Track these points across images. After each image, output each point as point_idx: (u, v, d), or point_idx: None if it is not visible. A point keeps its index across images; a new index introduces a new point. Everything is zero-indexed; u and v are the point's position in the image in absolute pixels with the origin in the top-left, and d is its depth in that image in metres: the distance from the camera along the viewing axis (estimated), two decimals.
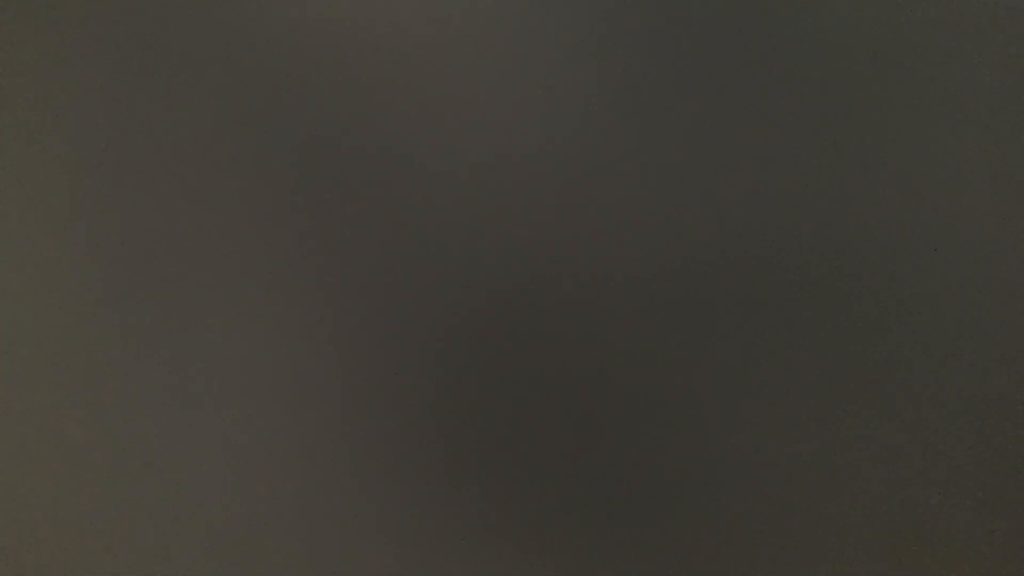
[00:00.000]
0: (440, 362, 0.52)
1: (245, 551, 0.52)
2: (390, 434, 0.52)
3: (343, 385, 0.52)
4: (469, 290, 0.52)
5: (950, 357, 0.52)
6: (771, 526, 0.52)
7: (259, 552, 0.52)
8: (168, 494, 0.52)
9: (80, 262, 0.53)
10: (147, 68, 0.53)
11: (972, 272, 0.52)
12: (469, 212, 0.52)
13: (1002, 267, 0.52)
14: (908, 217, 0.52)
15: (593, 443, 0.52)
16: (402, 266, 0.52)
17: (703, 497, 0.52)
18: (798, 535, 0.52)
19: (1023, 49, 0.53)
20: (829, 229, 0.52)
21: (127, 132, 0.53)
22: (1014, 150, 0.52)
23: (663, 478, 0.52)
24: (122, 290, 0.53)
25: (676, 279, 0.52)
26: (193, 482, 0.52)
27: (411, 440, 0.52)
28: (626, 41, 0.53)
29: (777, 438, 0.52)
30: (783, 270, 0.52)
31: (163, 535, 0.52)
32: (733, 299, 0.52)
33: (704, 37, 0.53)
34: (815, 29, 0.53)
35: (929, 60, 0.53)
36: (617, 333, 0.52)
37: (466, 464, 0.52)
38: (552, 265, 0.52)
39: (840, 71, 0.53)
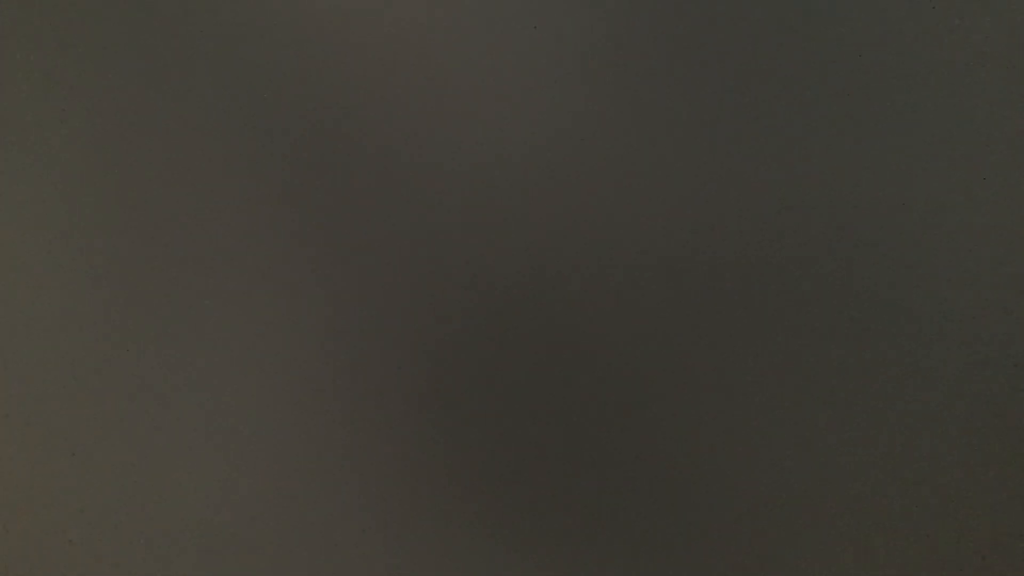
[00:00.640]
0: (440, 362, 0.52)
1: (245, 551, 0.52)
2: (391, 434, 0.52)
3: (343, 384, 0.52)
4: (469, 289, 0.52)
5: (951, 357, 0.52)
6: (771, 526, 0.52)
7: (259, 552, 0.52)
8: (168, 494, 0.53)
9: (80, 262, 0.53)
10: (146, 67, 0.53)
11: (973, 272, 0.52)
12: (470, 211, 0.53)
13: (1003, 267, 0.52)
14: (908, 216, 0.52)
15: (592, 443, 0.52)
16: (403, 266, 0.53)
17: (703, 497, 0.52)
18: (798, 535, 0.52)
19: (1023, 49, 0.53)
20: (830, 229, 0.52)
21: (126, 130, 0.53)
22: (1014, 150, 0.52)
23: (664, 478, 0.52)
24: (122, 289, 0.53)
25: (676, 279, 0.52)
26: (193, 483, 0.52)
27: (412, 440, 0.52)
28: (626, 40, 0.53)
29: (778, 438, 0.52)
30: (783, 269, 0.52)
31: (163, 535, 0.53)
32: (733, 298, 0.52)
33: (704, 36, 0.53)
34: (815, 28, 0.53)
35: (930, 59, 0.53)
36: (618, 332, 0.52)
37: (466, 464, 0.52)
38: (552, 265, 0.52)
39: (840, 71, 0.53)
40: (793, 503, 0.52)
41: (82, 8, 0.54)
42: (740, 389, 0.52)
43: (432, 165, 0.53)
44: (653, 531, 0.52)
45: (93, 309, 0.53)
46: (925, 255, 0.52)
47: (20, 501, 0.53)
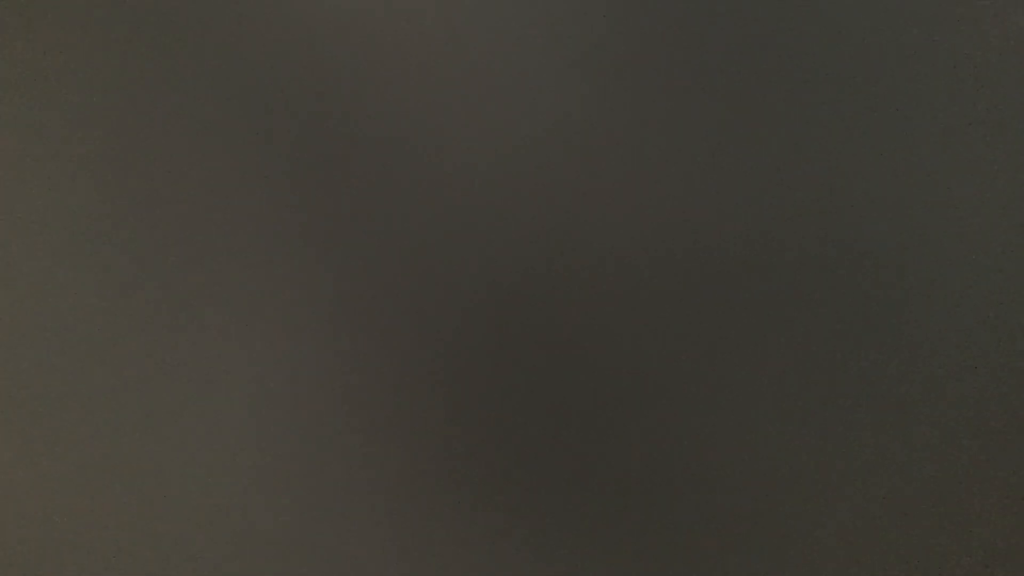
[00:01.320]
0: (440, 362, 0.52)
1: (246, 551, 0.52)
2: (391, 434, 0.52)
3: (343, 383, 0.52)
4: (470, 288, 0.52)
5: (952, 357, 0.52)
6: (772, 526, 0.52)
7: (261, 552, 0.52)
8: (169, 495, 0.52)
9: (79, 261, 0.53)
10: (146, 68, 0.53)
11: (974, 272, 0.52)
12: (470, 211, 0.53)
13: (1005, 267, 0.52)
14: (909, 216, 0.52)
15: (593, 443, 0.52)
16: (404, 265, 0.53)
17: (703, 497, 0.52)
18: (798, 535, 0.52)
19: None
20: (830, 229, 0.52)
21: (127, 130, 0.53)
22: (1015, 149, 0.52)
23: (665, 478, 0.52)
24: (122, 288, 0.53)
25: (677, 278, 0.52)
26: (195, 482, 0.52)
27: (412, 440, 0.52)
28: (627, 39, 0.53)
29: (778, 438, 0.52)
30: (783, 269, 0.52)
31: (164, 536, 0.52)
32: (734, 298, 0.52)
33: (704, 34, 0.53)
34: (816, 28, 0.53)
35: (930, 59, 0.53)
36: (619, 331, 0.52)
37: (465, 463, 0.52)
38: (553, 264, 0.52)
39: (841, 71, 0.53)
40: (793, 503, 0.52)
41: (83, 8, 0.54)
42: (741, 389, 0.52)
43: (433, 164, 0.53)
44: (653, 531, 0.52)
45: (93, 309, 0.53)
46: (925, 255, 0.52)
47: (20, 501, 0.53)
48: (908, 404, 0.52)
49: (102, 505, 0.53)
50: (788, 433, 0.52)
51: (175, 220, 0.53)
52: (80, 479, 0.53)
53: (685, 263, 0.52)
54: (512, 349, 0.52)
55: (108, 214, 0.53)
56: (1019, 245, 0.52)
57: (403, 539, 0.52)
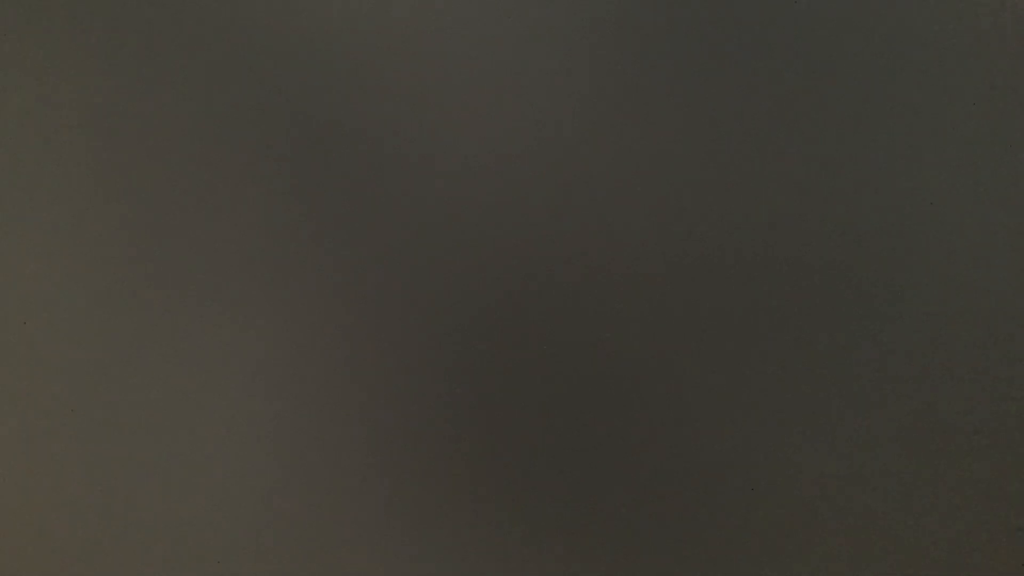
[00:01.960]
0: (441, 361, 0.52)
1: (249, 552, 0.52)
2: (394, 433, 0.52)
3: (343, 384, 0.52)
4: (470, 288, 0.52)
5: (953, 357, 0.52)
6: (772, 526, 0.52)
7: (263, 553, 0.52)
8: (169, 495, 0.52)
9: (78, 261, 0.53)
10: (146, 68, 0.53)
11: (975, 272, 0.52)
12: (471, 211, 0.52)
13: (1005, 267, 0.52)
14: (909, 216, 0.52)
15: (594, 442, 0.52)
16: (405, 266, 0.52)
17: (704, 497, 0.52)
18: (799, 535, 0.52)
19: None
20: (831, 229, 0.52)
21: (127, 130, 0.53)
22: (1015, 149, 0.52)
23: (665, 478, 0.52)
24: (121, 288, 0.53)
25: (677, 278, 0.52)
26: (195, 482, 0.52)
27: (413, 439, 0.52)
28: (627, 39, 0.53)
29: (778, 438, 0.52)
30: (784, 270, 0.52)
31: (163, 536, 0.52)
32: (734, 297, 0.52)
33: (704, 34, 0.53)
34: (816, 28, 0.53)
35: (930, 58, 0.53)
36: (619, 330, 0.52)
37: (465, 463, 0.52)
38: (554, 264, 0.52)
39: (841, 71, 0.53)
40: (793, 503, 0.52)
41: (83, 8, 0.54)
42: (741, 388, 0.52)
43: (434, 165, 0.53)
44: (654, 531, 0.52)
45: (94, 309, 0.53)
46: (925, 255, 0.52)
47: (20, 501, 0.53)
48: (908, 404, 0.52)
49: (102, 505, 0.53)
50: (788, 433, 0.52)
51: (175, 220, 0.53)
52: (80, 479, 0.53)
53: (685, 263, 0.52)
54: (513, 349, 0.52)
55: (108, 214, 0.53)
56: (1019, 245, 0.52)
57: (405, 539, 0.52)
